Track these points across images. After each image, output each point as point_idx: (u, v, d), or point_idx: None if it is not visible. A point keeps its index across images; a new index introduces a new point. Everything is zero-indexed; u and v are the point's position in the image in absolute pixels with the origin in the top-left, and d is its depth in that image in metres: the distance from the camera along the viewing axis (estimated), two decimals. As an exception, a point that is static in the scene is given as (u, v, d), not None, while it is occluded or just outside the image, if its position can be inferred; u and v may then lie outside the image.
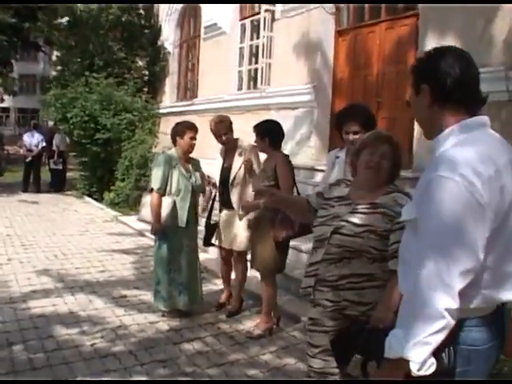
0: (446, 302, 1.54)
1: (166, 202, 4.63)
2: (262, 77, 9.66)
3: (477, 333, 1.69)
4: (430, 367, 1.57)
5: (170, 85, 13.75)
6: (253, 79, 10.51)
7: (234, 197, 4.89)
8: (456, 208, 1.57)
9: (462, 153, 1.64)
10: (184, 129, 4.78)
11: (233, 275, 5.29)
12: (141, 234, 8.57)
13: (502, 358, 3.67)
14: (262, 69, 9.64)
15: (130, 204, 10.86)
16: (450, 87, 1.75)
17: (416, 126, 6.57)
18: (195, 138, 4.82)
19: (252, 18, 10.37)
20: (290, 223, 4.00)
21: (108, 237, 8.42)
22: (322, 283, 2.52)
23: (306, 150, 8.47)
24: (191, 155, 4.95)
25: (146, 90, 13.50)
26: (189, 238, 4.84)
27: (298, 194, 4.46)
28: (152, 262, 6.24)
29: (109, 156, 11.70)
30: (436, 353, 1.58)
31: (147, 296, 5.27)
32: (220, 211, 5.11)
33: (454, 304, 1.55)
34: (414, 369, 1.56)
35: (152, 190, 4.69)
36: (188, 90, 13.39)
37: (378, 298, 2.38)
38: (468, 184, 1.56)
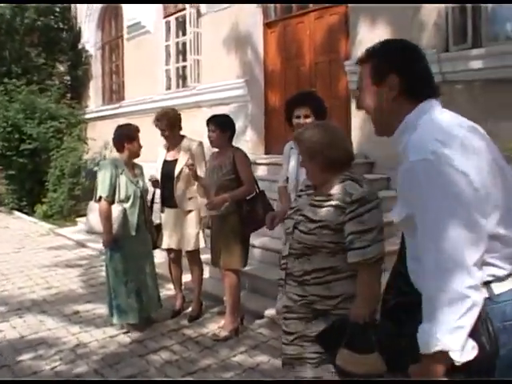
0: (464, 280, 1.49)
1: (117, 211, 4.43)
2: (191, 74, 9.51)
3: None
4: (472, 350, 1.51)
5: (94, 88, 13.28)
6: (181, 77, 10.34)
7: (179, 191, 4.76)
8: (438, 185, 1.54)
9: (424, 131, 1.65)
10: (134, 133, 4.62)
11: (185, 278, 5.16)
12: (81, 244, 8.24)
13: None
14: (191, 66, 9.48)
15: (64, 215, 10.44)
16: (425, 81, 1.78)
17: (353, 115, 6.66)
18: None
19: (177, 15, 10.17)
20: (256, 217, 3.95)
21: (47, 251, 7.99)
22: (290, 277, 2.50)
23: (242, 144, 8.32)
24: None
25: (69, 95, 12.96)
26: (141, 244, 4.67)
27: (259, 189, 4.40)
28: (101, 273, 6.03)
29: (37, 167, 11.15)
30: (475, 338, 1.53)
31: (102, 309, 5.03)
32: (161, 211, 4.95)
33: (474, 280, 1.51)
34: (456, 357, 1.49)
35: (100, 198, 4.44)
36: (114, 92, 12.98)
37: (347, 290, 2.36)
38: (440, 157, 1.54)
